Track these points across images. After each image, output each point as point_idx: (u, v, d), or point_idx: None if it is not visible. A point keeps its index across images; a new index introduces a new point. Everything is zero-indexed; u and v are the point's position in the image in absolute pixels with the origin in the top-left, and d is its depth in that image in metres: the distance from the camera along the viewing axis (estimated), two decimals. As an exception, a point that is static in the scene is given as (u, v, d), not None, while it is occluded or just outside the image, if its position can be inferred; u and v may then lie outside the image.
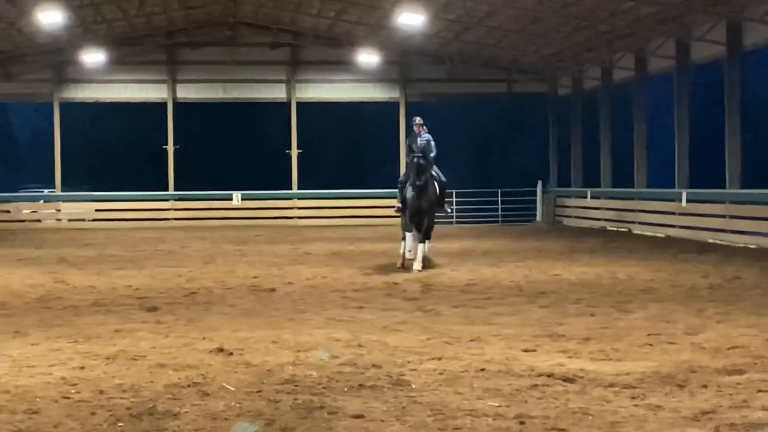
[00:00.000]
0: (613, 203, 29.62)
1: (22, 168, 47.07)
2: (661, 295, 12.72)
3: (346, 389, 6.99)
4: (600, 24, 25.82)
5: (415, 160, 16.49)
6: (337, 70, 33.71)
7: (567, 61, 31.67)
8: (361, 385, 7.10)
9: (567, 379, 7.22)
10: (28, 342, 9.21)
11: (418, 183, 16.39)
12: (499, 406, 6.41)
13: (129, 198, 33.75)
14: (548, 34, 28.12)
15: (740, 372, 7.46)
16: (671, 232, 25.12)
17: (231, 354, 8.38)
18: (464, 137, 43.28)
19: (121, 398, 6.72)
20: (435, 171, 17.16)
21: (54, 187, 33.95)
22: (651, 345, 8.78)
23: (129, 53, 32.92)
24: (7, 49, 31.07)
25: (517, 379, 7.26)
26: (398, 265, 16.67)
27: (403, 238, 16.76)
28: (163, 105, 33.55)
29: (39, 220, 33.22)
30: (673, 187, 25.65)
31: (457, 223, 32.58)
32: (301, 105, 34.05)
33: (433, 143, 17.03)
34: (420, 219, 16.67)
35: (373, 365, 7.82)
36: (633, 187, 28.52)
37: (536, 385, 7.02)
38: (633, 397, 6.68)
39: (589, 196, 31.47)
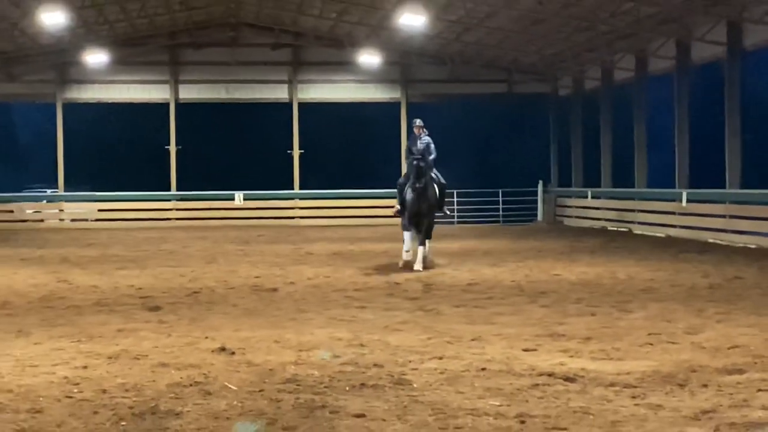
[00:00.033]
0: (613, 203, 29.62)
1: (25, 168, 46.97)
2: (662, 294, 12.73)
3: (347, 388, 7.01)
4: (600, 25, 25.83)
5: (415, 162, 16.49)
6: (339, 70, 33.74)
7: (568, 62, 31.68)
8: (362, 384, 7.12)
9: (568, 379, 7.24)
10: (31, 341, 9.24)
11: (418, 186, 16.37)
12: (500, 406, 6.43)
13: (131, 198, 33.78)
14: (549, 34, 28.12)
15: (740, 371, 7.48)
16: (671, 232, 25.13)
17: (233, 353, 8.41)
18: (465, 137, 43.22)
19: (124, 397, 6.74)
20: (435, 173, 17.16)
21: (57, 188, 34.00)
22: (651, 344, 8.79)
23: (131, 54, 32.95)
24: (10, 50, 31.07)
25: (518, 379, 7.29)
26: (400, 264, 16.70)
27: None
28: (165, 105, 33.59)
29: (42, 220, 33.27)
30: (674, 187, 25.65)
31: (458, 223, 32.59)
32: (302, 105, 34.08)
33: (432, 146, 17.01)
34: (419, 221, 16.70)
35: (375, 365, 7.84)
36: (633, 187, 28.51)
37: (537, 385, 7.05)
38: (633, 397, 6.70)
39: (589, 196, 31.48)
